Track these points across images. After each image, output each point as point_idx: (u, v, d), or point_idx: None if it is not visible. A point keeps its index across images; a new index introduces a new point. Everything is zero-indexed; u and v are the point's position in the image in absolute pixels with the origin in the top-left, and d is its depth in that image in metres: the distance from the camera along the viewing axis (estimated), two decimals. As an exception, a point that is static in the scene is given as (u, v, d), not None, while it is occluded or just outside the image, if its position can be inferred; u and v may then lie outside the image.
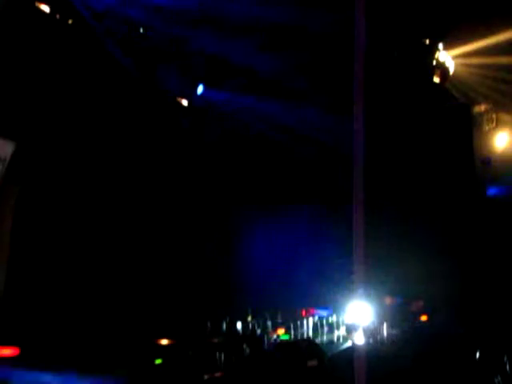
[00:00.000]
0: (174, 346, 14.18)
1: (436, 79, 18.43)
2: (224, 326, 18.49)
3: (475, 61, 18.18)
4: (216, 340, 15.53)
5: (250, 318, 19.65)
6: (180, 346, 14.30)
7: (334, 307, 20.74)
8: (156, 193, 16.70)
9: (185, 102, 17.42)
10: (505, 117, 19.56)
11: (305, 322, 20.81)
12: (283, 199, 19.63)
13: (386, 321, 19.51)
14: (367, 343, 17.19)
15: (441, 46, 18.14)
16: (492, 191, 19.43)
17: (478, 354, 12.41)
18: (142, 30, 15.74)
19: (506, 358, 11.82)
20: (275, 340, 18.81)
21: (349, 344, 18.23)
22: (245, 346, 15.58)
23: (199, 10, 14.92)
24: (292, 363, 13.57)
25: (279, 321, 20.16)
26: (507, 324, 14.53)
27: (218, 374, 13.35)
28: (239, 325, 19.00)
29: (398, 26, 16.73)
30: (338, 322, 21.20)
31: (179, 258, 17.04)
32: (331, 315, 21.02)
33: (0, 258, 13.16)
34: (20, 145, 12.96)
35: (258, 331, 19.19)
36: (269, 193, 19.31)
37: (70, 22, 14.42)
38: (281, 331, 19.52)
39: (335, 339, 20.35)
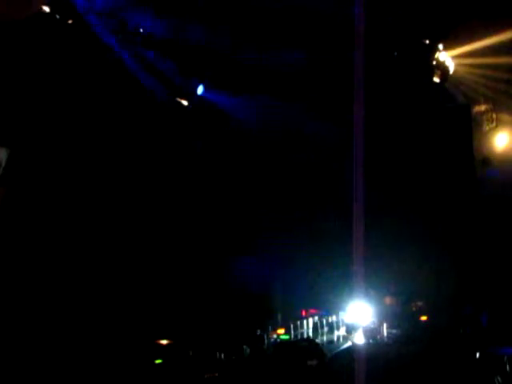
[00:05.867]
0: (173, 346, 14.18)
1: (436, 79, 18.41)
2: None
3: (475, 61, 18.18)
4: (216, 340, 15.54)
5: (250, 318, 19.64)
6: (180, 346, 14.30)
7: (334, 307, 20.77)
8: (155, 194, 16.69)
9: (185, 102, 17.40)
10: (505, 117, 19.54)
11: (305, 322, 20.82)
12: (284, 201, 19.64)
13: (386, 321, 19.52)
14: (367, 343, 17.22)
15: (441, 46, 18.12)
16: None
17: (477, 354, 12.41)
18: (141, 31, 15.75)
19: (505, 358, 11.82)
20: (275, 340, 18.81)
21: (349, 344, 18.24)
22: (245, 346, 15.58)
23: None
24: (292, 363, 13.58)
25: (279, 321, 20.16)
26: (507, 324, 14.54)
27: (217, 374, 13.36)
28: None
29: (398, 25, 16.72)
30: (337, 322, 21.22)
31: (179, 258, 17.03)
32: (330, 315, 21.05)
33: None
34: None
35: (258, 331, 19.18)
36: (271, 194, 19.33)
37: (69, 21, 14.40)
38: (281, 331, 19.52)
39: (335, 339, 20.36)
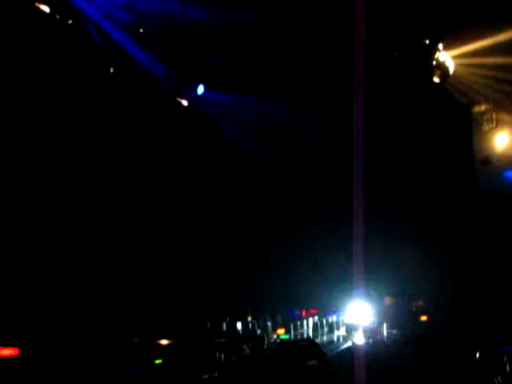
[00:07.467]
0: (174, 346, 14.16)
1: (436, 79, 18.43)
2: (224, 326, 18.48)
3: (475, 61, 18.19)
4: (216, 340, 15.52)
5: (249, 318, 19.65)
6: (180, 346, 14.29)
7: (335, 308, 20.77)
8: (156, 194, 16.70)
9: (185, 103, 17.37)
10: (505, 117, 19.57)
11: (305, 322, 20.83)
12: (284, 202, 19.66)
13: (386, 321, 19.53)
14: (367, 343, 17.22)
15: (441, 46, 18.15)
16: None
17: (477, 354, 12.41)
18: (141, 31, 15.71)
19: (505, 358, 11.82)
20: (275, 340, 18.81)
21: (349, 344, 18.24)
22: (245, 346, 15.56)
23: None
24: (292, 363, 13.56)
25: (279, 321, 20.16)
26: (507, 324, 14.54)
27: (217, 374, 13.34)
28: (239, 325, 19.00)
29: (398, 25, 16.73)
30: (337, 322, 21.23)
31: (180, 259, 17.03)
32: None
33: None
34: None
35: (258, 331, 19.18)
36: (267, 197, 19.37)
37: (69, 22, 14.38)
38: (281, 331, 19.53)
39: (335, 339, 20.38)
